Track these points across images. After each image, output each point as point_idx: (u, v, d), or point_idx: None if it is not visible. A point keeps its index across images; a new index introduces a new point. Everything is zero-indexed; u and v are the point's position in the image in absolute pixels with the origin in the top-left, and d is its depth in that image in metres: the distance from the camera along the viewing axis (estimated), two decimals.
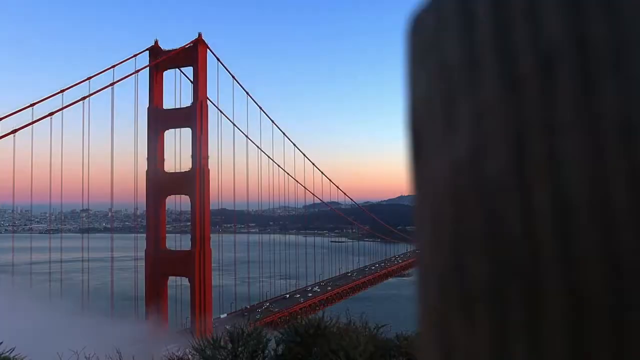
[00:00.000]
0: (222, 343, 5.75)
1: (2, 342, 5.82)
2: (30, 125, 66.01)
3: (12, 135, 64.15)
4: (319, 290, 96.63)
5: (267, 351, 5.82)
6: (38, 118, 66.65)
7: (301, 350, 5.49)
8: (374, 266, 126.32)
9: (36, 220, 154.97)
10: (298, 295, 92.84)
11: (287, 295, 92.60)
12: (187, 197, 77.35)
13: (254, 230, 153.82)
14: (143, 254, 76.48)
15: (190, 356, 6.02)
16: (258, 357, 5.73)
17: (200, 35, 77.60)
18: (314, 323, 5.76)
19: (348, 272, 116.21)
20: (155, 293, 73.65)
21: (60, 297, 71.28)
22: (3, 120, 64.32)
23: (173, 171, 77.47)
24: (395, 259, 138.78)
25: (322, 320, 5.80)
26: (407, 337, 6.12)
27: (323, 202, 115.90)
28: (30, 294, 69.33)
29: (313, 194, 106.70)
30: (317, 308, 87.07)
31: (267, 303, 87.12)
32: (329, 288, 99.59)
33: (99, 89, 72.94)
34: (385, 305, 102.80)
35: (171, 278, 76.63)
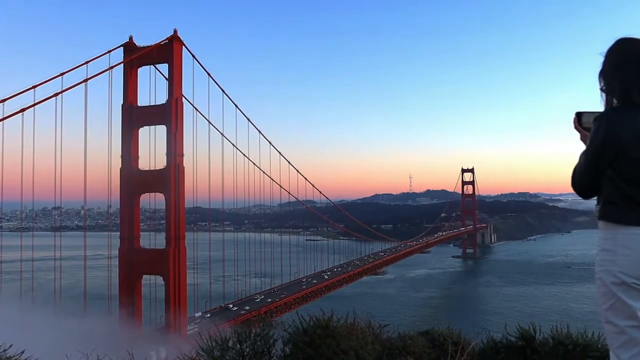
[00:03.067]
0: (230, 344, 5.78)
1: None
2: (0, 122, 64.81)
3: None
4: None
5: (274, 351, 5.86)
6: (8, 115, 65.43)
7: (310, 351, 5.53)
8: (350, 265, 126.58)
9: (6, 218, 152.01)
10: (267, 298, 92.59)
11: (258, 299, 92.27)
12: (162, 195, 76.79)
13: (229, 228, 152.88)
14: (117, 252, 75.72)
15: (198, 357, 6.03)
16: (265, 357, 5.78)
17: (175, 31, 76.94)
18: (322, 323, 5.81)
19: (323, 271, 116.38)
20: (129, 292, 73.05)
21: (30, 295, 70.19)
22: None
23: (147, 169, 76.81)
24: (369, 257, 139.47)
25: (330, 321, 5.85)
26: (412, 336, 6.23)
27: (298, 200, 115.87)
28: None
29: (288, 192, 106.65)
30: (292, 307, 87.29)
31: (231, 304, 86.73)
32: (304, 287, 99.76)
33: (71, 85, 71.81)
34: (361, 303, 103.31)
35: (145, 276, 76.01)
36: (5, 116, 64.97)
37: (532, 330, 6.08)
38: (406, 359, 5.68)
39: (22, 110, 66.45)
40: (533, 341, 6.02)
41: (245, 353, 5.71)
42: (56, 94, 69.68)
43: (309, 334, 5.65)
